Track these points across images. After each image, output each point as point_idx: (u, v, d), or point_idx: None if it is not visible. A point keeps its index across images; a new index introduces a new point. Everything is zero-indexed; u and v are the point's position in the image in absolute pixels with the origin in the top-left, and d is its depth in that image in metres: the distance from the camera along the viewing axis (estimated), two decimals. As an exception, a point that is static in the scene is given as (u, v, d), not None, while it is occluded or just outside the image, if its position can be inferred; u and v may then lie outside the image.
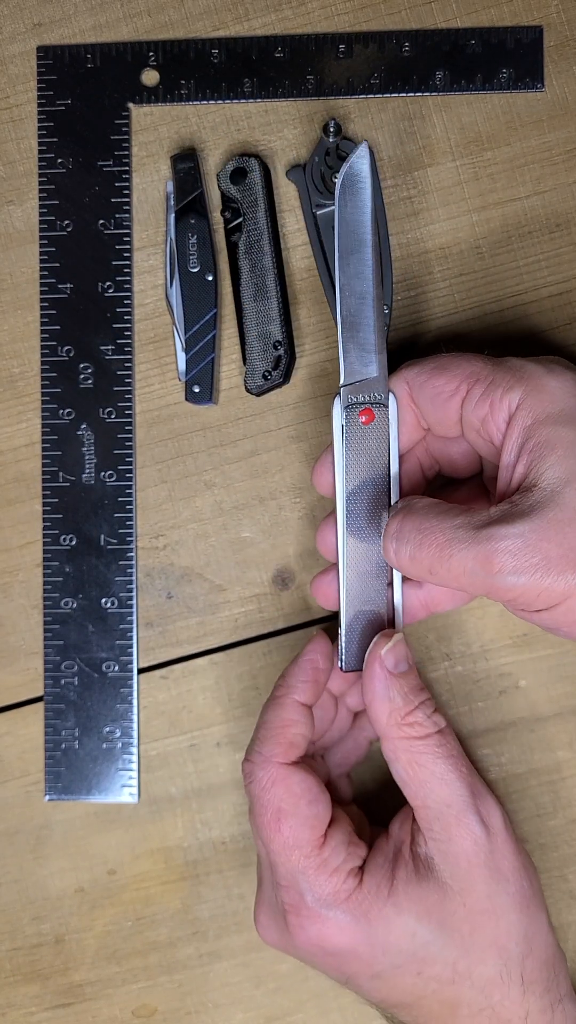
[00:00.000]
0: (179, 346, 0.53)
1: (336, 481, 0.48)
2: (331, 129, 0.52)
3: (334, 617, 0.54)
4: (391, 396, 0.48)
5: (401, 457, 0.49)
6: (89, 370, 0.54)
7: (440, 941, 0.45)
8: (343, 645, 0.48)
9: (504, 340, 0.54)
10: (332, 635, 0.49)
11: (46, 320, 0.54)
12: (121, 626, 0.54)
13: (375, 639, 0.47)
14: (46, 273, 0.54)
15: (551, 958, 0.47)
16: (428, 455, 0.50)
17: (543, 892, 0.48)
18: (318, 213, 0.53)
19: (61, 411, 0.54)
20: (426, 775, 0.46)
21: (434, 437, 0.49)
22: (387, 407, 0.48)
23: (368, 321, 0.47)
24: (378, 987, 0.46)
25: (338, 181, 0.47)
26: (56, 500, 0.54)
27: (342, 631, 0.48)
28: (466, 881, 0.45)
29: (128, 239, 0.54)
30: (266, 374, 0.53)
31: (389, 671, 0.46)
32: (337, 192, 0.47)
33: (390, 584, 0.48)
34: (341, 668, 0.48)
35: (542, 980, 0.46)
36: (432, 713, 0.46)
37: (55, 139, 0.54)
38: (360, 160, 0.47)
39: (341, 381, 0.47)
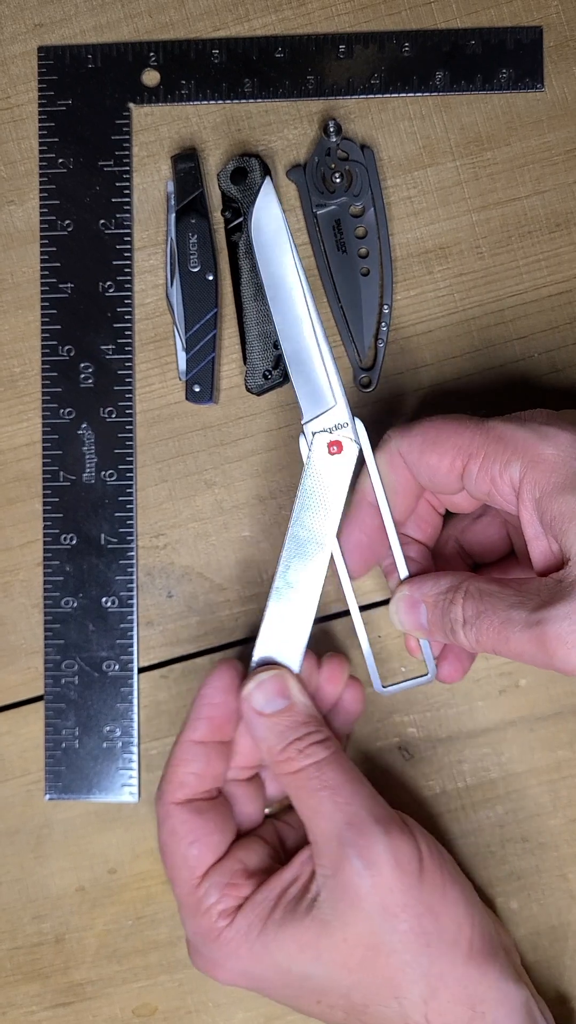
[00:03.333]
0: (179, 346, 0.53)
1: (319, 513, 0.48)
2: (331, 129, 0.52)
3: (334, 617, 0.54)
4: (358, 423, 0.47)
5: (403, 504, 0.49)
6: (90, 369, 0.54)
7: (322, 973, 0.45)
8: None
9: (504, 341, 0.54)
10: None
11: (47, 320, 0.54)
12: (121, 625, 0.54)
13: (251, 674, 0.48)
14: (47, 273, 0.54)
15: (472, 999, 0.45)
16: (435, 498, 0.50)
17: (478, 928, 0.46)
18: (318, 213, 0.53)
19: (62, 410, 0.54)
20: (306, 809, 0.46)
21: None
22: (355, 440, 0.47)
23: (310, 358, 0.47)
24: (299, 1008, 0.47)
25: (251, 227, 0.47)
26: (57, 499, 0.54)
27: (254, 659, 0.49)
28: (347, 915, 0.45)
29: (129, 239, 0.54)
30: (266, 373, 0.53)
31: (257, 711, 0.47)
32: (252, 238, 0.47)
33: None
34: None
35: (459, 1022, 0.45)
36: (308, 746, 0.46)
37: (56, 139, 0.54)
38: (266, 201, 0.47)
39: (303, 419, 0.47)
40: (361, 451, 0.47)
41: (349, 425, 0.47)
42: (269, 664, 0.48)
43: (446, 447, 0.45)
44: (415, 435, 0.46)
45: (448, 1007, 0.45)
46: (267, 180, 0.47)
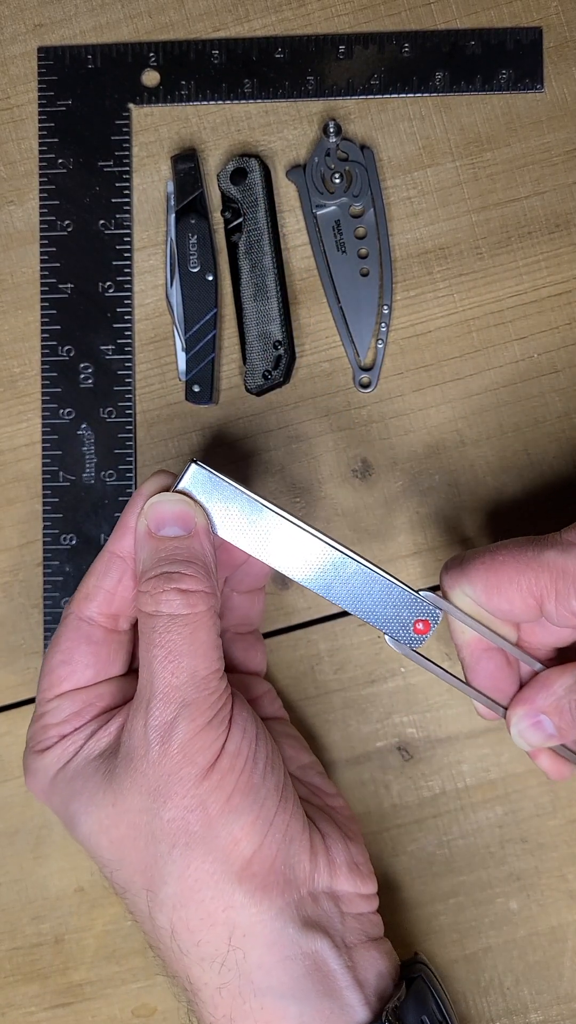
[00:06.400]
0: (179, 346, 0.53)
1: None
2: (331, 130, 0.52)
3: (333, 617, 0.54)
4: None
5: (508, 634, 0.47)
6: (89, 370, 0.54)
7: (89, 835, 0.43)
8: None
9: (504, 341, 0.54)
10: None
11: (47, 320, 0.54)
12: (121, 625, 0.54)
13: (149, 483, 0.44)
14: (47, 273, 0.54)
15: (231, 927, 0.42)
16: None
17: (263, 853, 0.43)
18: (318, 213, 0.53)
19: (61, 411, 0.54)
20: (141, 656, 0.43)
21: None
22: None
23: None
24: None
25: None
26: (56, 500, 0.54)
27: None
28: (124, 783, 0.42)
29: (128, 239, 0.54)
30: (266, 374, 0.53)
31: (149, 530, 0.43)
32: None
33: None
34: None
35: (200, 933, 0.42)
36: (174, 592, 0.42)
37: (56, 139, 0.54)
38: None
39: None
40: None
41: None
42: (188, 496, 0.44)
43: (511, 592, 0.44)
44: (475, 582, 0.45)
45: (198, 924, 0.42)
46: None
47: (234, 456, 0.54)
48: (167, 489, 0.44)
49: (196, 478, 0.44)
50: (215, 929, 0.42)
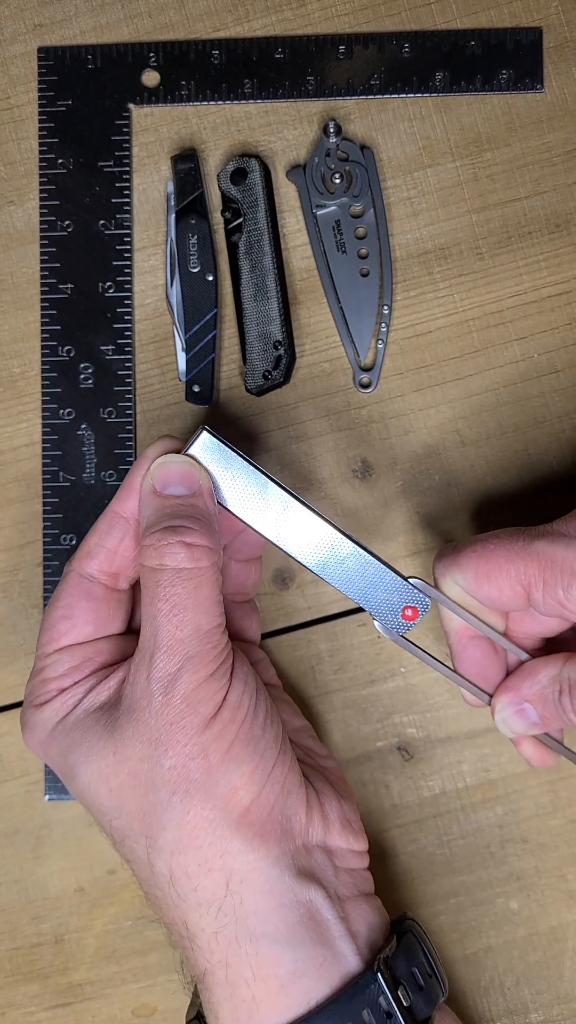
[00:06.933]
0: (179, 346, 0.53)
1: None
2: (331, 130, 0.52)
3: (334, 617, 0.54)
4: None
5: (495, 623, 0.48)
6: (89, 370, 0.54)
7: (88, 784, 0.43)
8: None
9: (504, 341, 0.54)
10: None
11: (47, 320, 0.54)
12: (121, 625, 0.54)
13: (154, 446, 0.45)
14: (47, 273, 0.54)
15: (229, 873, 0.42)
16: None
17: (261, 802, 0.43)
18: (318, 214, 0.53)
19: (61, 411, 0.54)
20: (144, 609, 0.43)
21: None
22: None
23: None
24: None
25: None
26: (56, 500, 0.54)
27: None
28: (126, 731, 0.43)
29: (128, 239, 0.54)
30: (266, 374, 0.53)
31: (155, 488, 0.44)
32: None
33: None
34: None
35: (197, 878, 0.42)
36: (179, 544, 0.42)
37: (56, 139, 0.54)
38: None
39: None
40: None
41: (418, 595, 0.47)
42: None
43: (500, 580, 0.45)
44: (466, 569, 0.46)
45: (197, 871, 0.42)
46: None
47: (234, 456, 0.54)
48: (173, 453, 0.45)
49: (206, 445, 0.45)
50: (212, 875, 0.42)
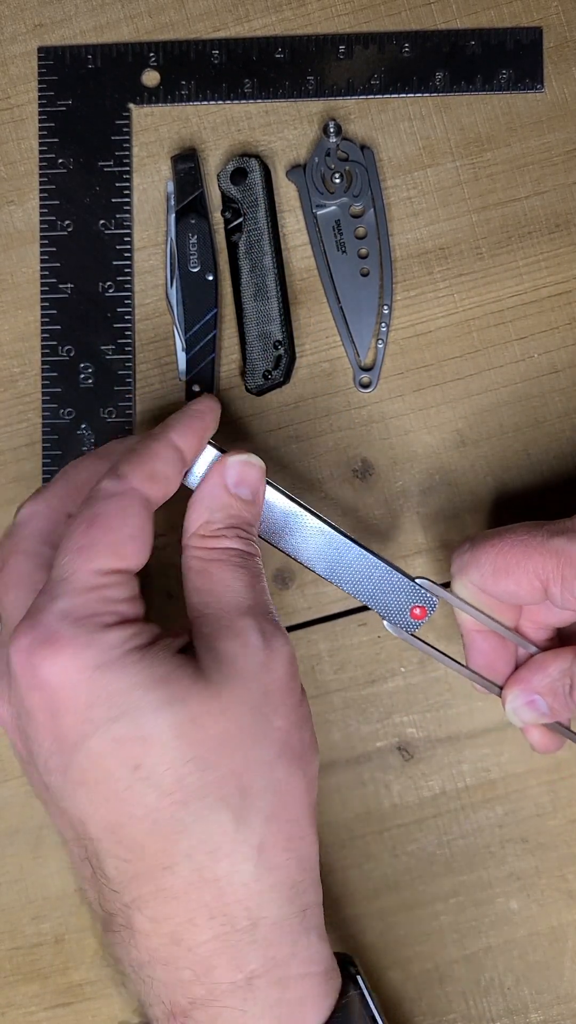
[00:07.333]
0: (179, 346, 0.53)
1: None
2: (331, 130, 0.52)
3: (334, 617, 0.54)
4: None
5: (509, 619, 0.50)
6: (89, 370, 0.54)
7: (174, 738, 0.39)
8: None
9: (504, 341, 0.54)
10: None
11: (47, 320, 0.54)
12: (121, 625, 0.54)
13: (230, 453, 0.46)
14: (47, 273, 0.54)
15: (291, 841, 0.41)
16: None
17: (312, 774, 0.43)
18: (318, 214, 0.53)
19: (61, 411, 0.54)
20: (216, 583, 0.43)
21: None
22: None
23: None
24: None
25: None
26: (56, 500, 0.54)
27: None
28: (230, 684, 0.40)
29: (128, 239, 0.54)
30: (266, 374, 0.53)
31: (228, 484, 0.45)
32: None
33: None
34: None
35: (281, 853, 0.40)
36: (241, 538, 0.44)
37: (56, 139, 0.54)
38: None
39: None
40: None
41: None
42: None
43: (519, 575, 0.46)
44: (483, 565, 0.47)
45: (285, 844, 0.41)
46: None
47: (234, 456, 0.54)
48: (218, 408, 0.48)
49: (205, 458, 0.47)
50: (291, 854, 0.41)
